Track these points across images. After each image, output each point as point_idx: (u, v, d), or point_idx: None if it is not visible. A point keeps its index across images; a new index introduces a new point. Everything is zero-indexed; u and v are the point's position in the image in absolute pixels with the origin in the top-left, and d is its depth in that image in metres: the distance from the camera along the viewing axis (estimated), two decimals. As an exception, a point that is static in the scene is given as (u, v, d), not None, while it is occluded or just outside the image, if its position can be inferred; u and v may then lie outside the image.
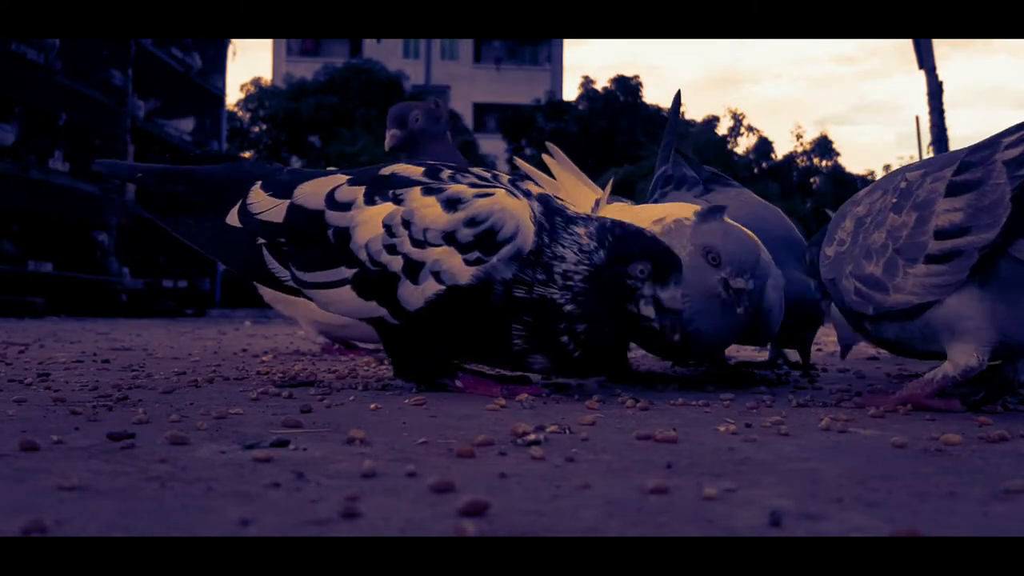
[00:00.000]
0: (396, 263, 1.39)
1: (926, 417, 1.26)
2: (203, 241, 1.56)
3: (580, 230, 1.41)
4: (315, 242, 1.45)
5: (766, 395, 1.51)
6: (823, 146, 21.18)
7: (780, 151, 21.17)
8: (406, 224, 1.39)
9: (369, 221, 1.41)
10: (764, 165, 20.56)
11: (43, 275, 6.00)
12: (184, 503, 0.69)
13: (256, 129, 18.42)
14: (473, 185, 1.42)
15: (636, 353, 2.39)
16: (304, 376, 1.74)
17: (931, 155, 8.48)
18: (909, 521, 0.65)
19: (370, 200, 1.43)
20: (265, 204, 1.50)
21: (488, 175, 1.47)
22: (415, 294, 1.39)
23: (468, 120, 21.34)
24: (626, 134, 18.94)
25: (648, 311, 1.39)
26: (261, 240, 1.49)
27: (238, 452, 0.90)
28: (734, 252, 1.55)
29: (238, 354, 2.42)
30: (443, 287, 1.37)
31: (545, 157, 2.06)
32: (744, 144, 21.16)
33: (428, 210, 1.39)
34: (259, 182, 1.53)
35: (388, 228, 1.40)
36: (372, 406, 1.28)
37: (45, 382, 1.58)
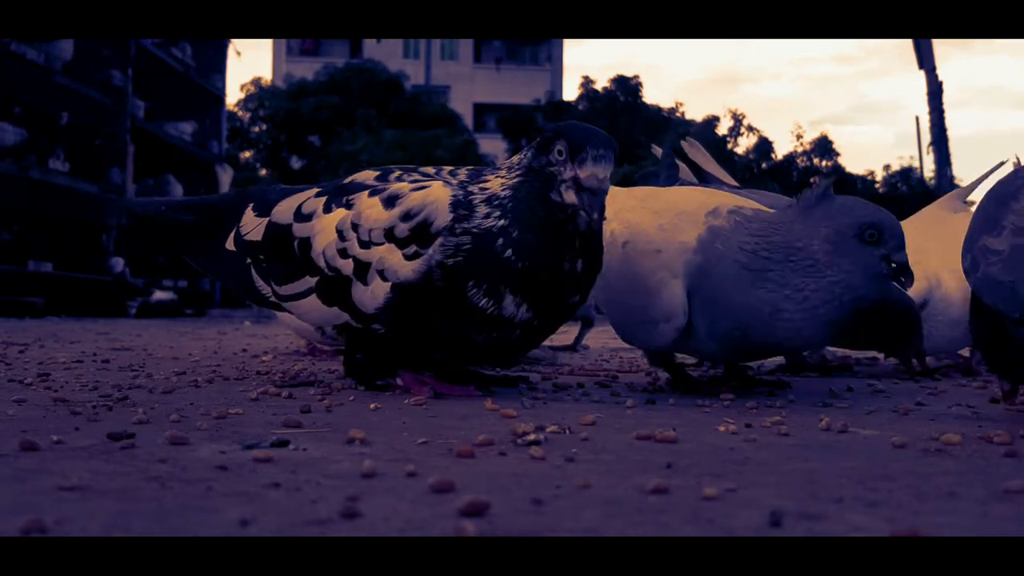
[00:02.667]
0: (348, 267, 1.42)
1: (926, 417, 1.26)
2: (208, 265, 1.68)
3: (503, 169, 1.40)
4: (285, 255, 1.50)
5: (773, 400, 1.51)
6: (823, 146, 21.19)
7: (780, 151, 21.20)
8: (354, 227, 1.41)
9: (326, 228, 1.44)
10: (764, 165, 20.57)
11: (43, 275, 6.00)
12: (184, 503, 0.69)
13: (256, 129, 18.42)
14: (414, 181, 1.44)
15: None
16: (304, 376, 1.74)
17: (931, 155, 8.48)
18: (909, 521, 0.65)
19: (327, 208, 1.46)
20: (251, 225, 1.56)
21: (432, 171, 1.48)
22: (367, 295, 1.40)
23: (468, 120, 21.33)
24: (626, 134, 18.92)
25: (569, 196, 1.30)
26: (248, 260, 1.56)
27: (238, 452, 0.90)
28: (892, 224, 1.39)
29: (238, 354, 2.42)
30: (389, 284, 1.37)
31: (685, 145, 2.10)
32: (744, 144, 21.18)
33: (371, 210, 1.40)
34: (252, 204, 1.58)
35: (340, 233, 1.42)
36: (372, 406, 1.28)
37: (45, 382, 1.58)
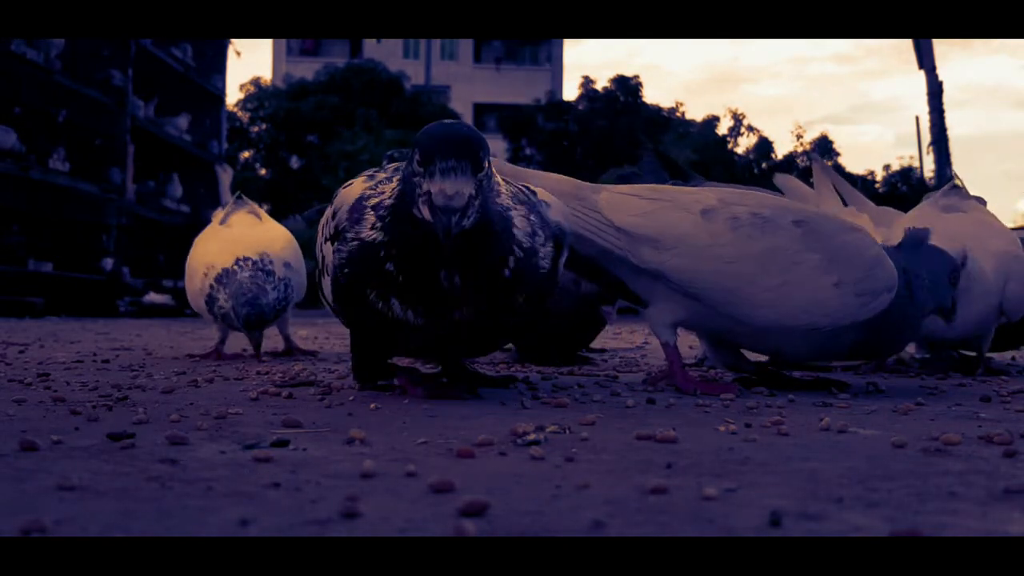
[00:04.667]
0: (320, 260, 1.46)
1: (927, 417, 1.26)
2: None
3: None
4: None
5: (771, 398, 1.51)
6: (823, 146, 21.18)
7: (780, 151, 21.18)
8: (323, 225, 1.44)
9: (321, 228, 1.46)
10: (764, 165, 20.55)
11: (43, 275, 6.00)
12: (184, 503, 0.69)
13: (256, 129, 18.41)
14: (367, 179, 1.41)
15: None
16: (304, 376, 1.74)
17: (931, 155, 8.49)
18: (909, 521, 0.65)
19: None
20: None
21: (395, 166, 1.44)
22: (327, 287, 1.43)
23: (468, 120, 21.32)
24: (626, 134, 18.90)
25: (425, 211, 1.20)
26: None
27: (238, 452, 0.90)
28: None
29: (238, 354, 2.42)
30: (330, 278, 1.39)
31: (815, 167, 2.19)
32: (744, 144, 21.16)
33: (328, 210, 1.43)
34: None
35: (321, 230, 1.46)
36: (372, 406, 1.28)
37: (45, 382, 1.58)
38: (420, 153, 1.19)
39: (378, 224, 1.30)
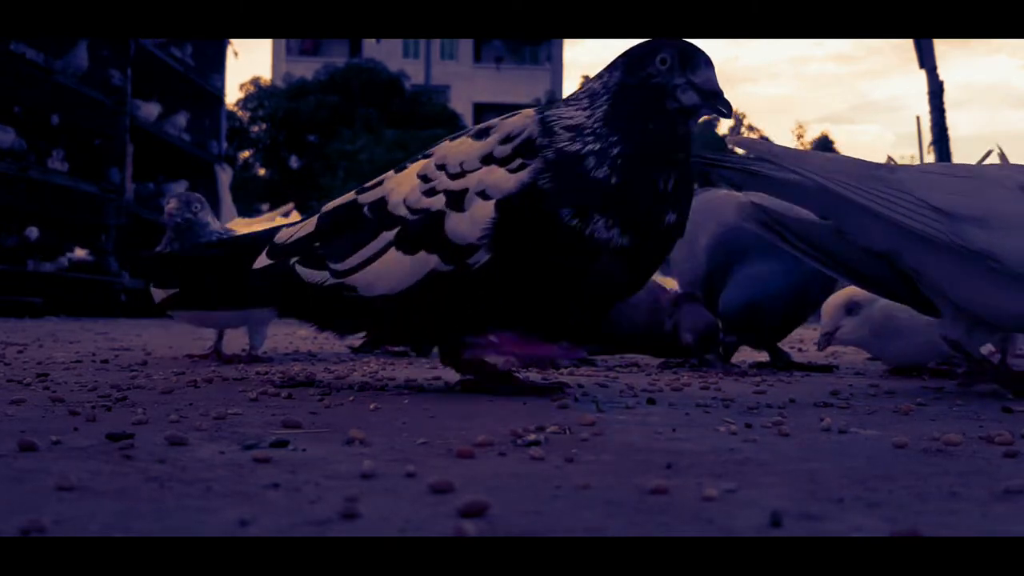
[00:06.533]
0: (438, 202, 1.35)
1: (927, 417, 1.26)
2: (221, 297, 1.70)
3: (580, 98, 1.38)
4: (351, 226, 1.43)
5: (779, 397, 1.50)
6: (823, 145, 21.19)
7: (780, 151, 21.16)
8: (440, 167, 1.38)
9: (404, 180, 1.41)
10: (764, 165, 20.52)
11: (43, 275, 6.00)
12: (183, 503, 0.69)
13: (256, 129, 18.42)
14: (475, 135, 1.42)
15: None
16: (303, 376, 1.74)
17: (931, 155, 8.48)
18: (909, 521, 0.65)
19: (400, 168, 1.45)
20: (293, 230, 1.53)
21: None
22: (463, 223, 1.32)
23: (468, 120, 21.31)
24: (626, 134, 18.93)
25: (690, 98, 1.32)
26: (294, 259, 1.48)
27: (237, 452, 0.90)
28: None
29: (237, 354, 2.41)
30: (491, 202, 1.31)
31: None
32: (744, 144, 21.14)
33: (461, 146, 1.39)
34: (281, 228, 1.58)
35: (423, 177, 1.39)
36: (372, 406, 1.28)
37: (44, 382, 1.58)
38: (674, 54, 1.32)
39: (588, 135, 1.32)
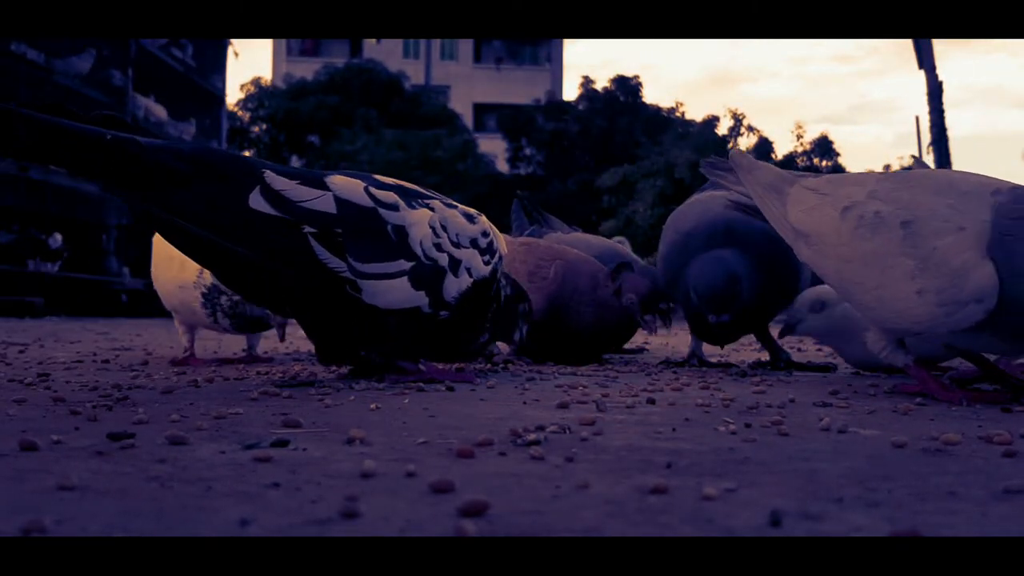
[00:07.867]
0: (443, 259, 1.66)
1: (927, 417, 1.26)
2: (216, 222, 1.46)
3: None
4: (375, 236, 1.57)
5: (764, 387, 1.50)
6: (823, 146, 21.18)
7: (780, 151, 21.17)
8: (443, 228, 1.67)
9: (419, 222, 1.64)
10: (764, 165, 20.50)
11: (43, 275, 6.00)
12: (184, 503, 0.69)
13: (256, 129, 18.41)
14: (448, 205, 1.74)
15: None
16: (304, 376, 1.74)
17: (931, 155, 8.49)
18: (909, 521, 0.65)
19: (408, 204, 1.64)
20: (304, 193, 1.51)
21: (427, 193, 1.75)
22: (453, 284, 1.67)
23: (468, 120, 21.31)
24: (626, 134, 18.91)
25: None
26: (309, 229, 1.50)
27: (238, 452, 0.90)
28: None
29: (238, 354, 2.41)
30: (471, 280, 1.71)
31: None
32: (744, 144, 21.15)
33: (457, 220, 1.71)
34: (268, 169, 1.52)
35: (433, 230, 1.65)
36: (372, 406, 1.28)
37: (45, 382, 1.58)
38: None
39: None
